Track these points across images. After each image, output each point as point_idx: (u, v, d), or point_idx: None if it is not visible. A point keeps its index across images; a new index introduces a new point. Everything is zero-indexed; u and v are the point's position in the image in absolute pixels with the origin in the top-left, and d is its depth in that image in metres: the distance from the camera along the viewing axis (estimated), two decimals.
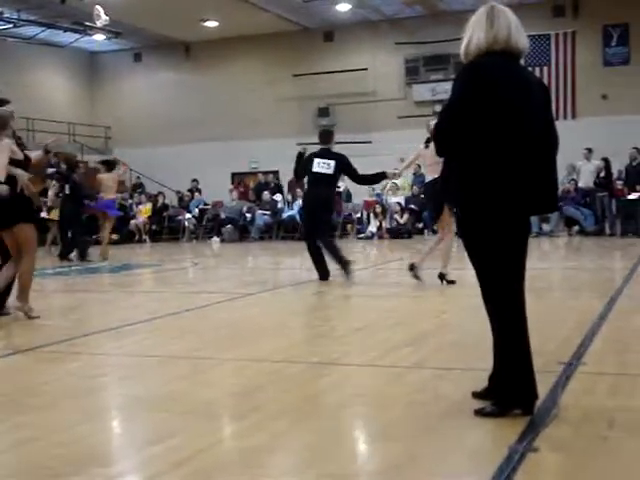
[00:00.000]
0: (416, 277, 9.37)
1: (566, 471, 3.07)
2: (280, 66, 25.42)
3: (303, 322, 7.02)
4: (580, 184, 19.33)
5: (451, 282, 9.21)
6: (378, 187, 20.88)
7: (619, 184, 18.77)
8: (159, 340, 6.28)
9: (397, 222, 20.59)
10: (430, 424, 3.67)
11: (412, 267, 9.46)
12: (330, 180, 10.10)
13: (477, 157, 3.63)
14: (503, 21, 3.72)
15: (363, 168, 10.77)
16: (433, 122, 3.90)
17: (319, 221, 10.12)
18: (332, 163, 9.95)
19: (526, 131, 3.64)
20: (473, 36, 3.75)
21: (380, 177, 10.51)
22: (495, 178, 3.60)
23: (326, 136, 10.39)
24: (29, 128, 25.52)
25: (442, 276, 9.28)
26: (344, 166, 10.06)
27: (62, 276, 12.07)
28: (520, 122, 3.63)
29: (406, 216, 20.63)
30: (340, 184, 22.10)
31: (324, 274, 10.11)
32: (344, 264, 9.94)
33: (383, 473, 3.11)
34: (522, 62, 3.89)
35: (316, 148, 10.41)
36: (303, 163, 10.23)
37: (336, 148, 10.53)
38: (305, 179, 10.76)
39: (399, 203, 20.97)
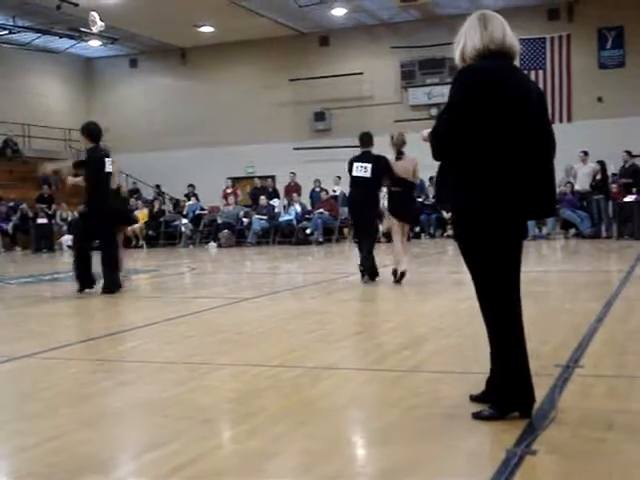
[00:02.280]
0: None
1: (564, 474, 3.07)
2: (276, 71, 25.45)
3: (300, 326, 7.01)
4: (576, 187, 19.37)
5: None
6: None
7: (615, 187, 18.80)
8: (157, 345, 6.28)
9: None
10: (428, 427, 3.67)
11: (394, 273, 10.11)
12: (369, 183, 10.24)
13: (474, 161, 3.63)
14: (496, 23, 3.75)
15: None
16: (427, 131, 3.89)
17: (364, 223, 10.61)
18: (369, 167, 10.16)
19: (524, 135, 3.64)
20: (468, 39, 3.76)
21: (410, 186, 10.44)
22: (492, 182, 3.61)
23: (365, 139, 10.56)
24: (25, 134, 25.54)
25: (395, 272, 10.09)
26: (382, 169, 10.18)
27: (58, 282, 12.05)
28: (518, 126, 3.63)
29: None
30: (336, 188, 22.19)
31: (369, 272, 10.39)
32: (368, 270, 10.34)
33: (381, 477, 3.11)
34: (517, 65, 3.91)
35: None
36: (348, 167, 10.49)
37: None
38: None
39: None
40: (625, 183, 18.54)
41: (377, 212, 11.27)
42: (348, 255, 17.48)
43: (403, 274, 10.02)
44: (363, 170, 10.23)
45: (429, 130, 3.79)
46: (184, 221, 22.83)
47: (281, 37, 25.14)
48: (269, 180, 23.92)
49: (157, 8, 21.74)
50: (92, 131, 10.26)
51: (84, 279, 10.05)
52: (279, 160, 24.66)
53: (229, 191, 23.39)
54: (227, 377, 4.97)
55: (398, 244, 10.35)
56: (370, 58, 24.66)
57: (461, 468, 3.21)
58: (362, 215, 10.57)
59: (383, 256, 12.00)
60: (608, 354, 5.26)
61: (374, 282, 10.33)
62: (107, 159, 10.15)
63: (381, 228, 10.96)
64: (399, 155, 10.13)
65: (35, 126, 25.39)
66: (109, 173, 10.18)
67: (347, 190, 20.10)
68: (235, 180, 24.67)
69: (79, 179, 10.47)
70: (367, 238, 10.64)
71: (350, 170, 10.44)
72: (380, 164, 10.21)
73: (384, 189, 10.98)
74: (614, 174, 19.42)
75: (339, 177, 22.17)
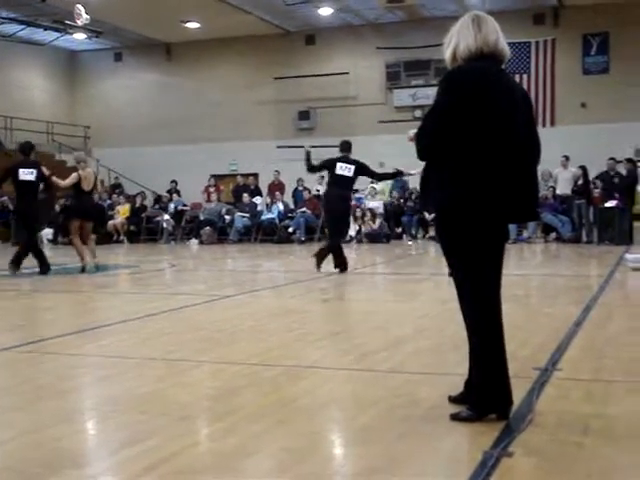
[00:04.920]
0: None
1: (540, 476, 3.09)
2: (261, 69, 25.41)
3: (280, 325, 7.00)
4: (557, 191, 19.45)
5: None
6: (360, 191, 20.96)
7: (597, 192, 18.89)
8: (135, 341, 6.25)
9: (370, 227, 20.56)
10: (406, 428, 3.67)
11: None
12: (349, 182, 11.55)
13: (459, 162, 3.63)
14: (490, 26, 3.76)
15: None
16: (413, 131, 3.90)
17: (338, 219, 11.75)
18: (352, 167, 11.43)
19: (508, 138, 3.64)
20: (461, 39, 3.74)
21: (398, 174, 12.28)
22: (475, 184, 3.61)
23: (347, 146, 11.73)
24: (7, 127, 25.36)
25: None
26: (362, 169, 11.57)
27: (38, 276, 11.97)
28: (503, 129, 3.64)
29: (378, 221, 20.63)
30: (319, 187, 22.20)
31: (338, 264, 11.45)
32: (342, 267, 11.39)
33: (359, 476, 3.12)
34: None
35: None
36: (322, 164, 11.90)
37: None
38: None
39: (371, 209, 20.93)
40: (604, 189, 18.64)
41: (349, 207, 12.40)
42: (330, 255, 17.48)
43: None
44: (347, 170, 11.38)
45: (415, 130, 3.79)
46: (166, 217, 22.74)
47: (267, 35, 25.11)
48: (251, 178, 23.88)
49: (143, 2, 21.65)
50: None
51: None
52: (262, 158, 24.63)
53: (212, 189, 23.34)
54: (206, 374, 4.96)
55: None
56: (356, 58, 24.68)
57: (439, 469, 3.22)
58: (338, 207, 11.58)
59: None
60: (586, 358, 5.29)
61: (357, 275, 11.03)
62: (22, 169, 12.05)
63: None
64: None
65: (18, 119, 25.21)
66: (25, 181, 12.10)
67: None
68: (218, 177, 24.61)
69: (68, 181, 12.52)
70: (339, 231, 11.86)
71: (332, 168, 11.55)
72: (360, 166, 11.51)
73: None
74: (595, 179, 19.51)
75: (322, 177, 22.21)
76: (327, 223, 12.86)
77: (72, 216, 12.99)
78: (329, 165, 11.69)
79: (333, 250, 11.54)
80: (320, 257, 11.56)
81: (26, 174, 12.05)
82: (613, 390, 4.45)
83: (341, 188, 11.51)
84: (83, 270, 12.34)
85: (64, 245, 20.88)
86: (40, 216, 13.32)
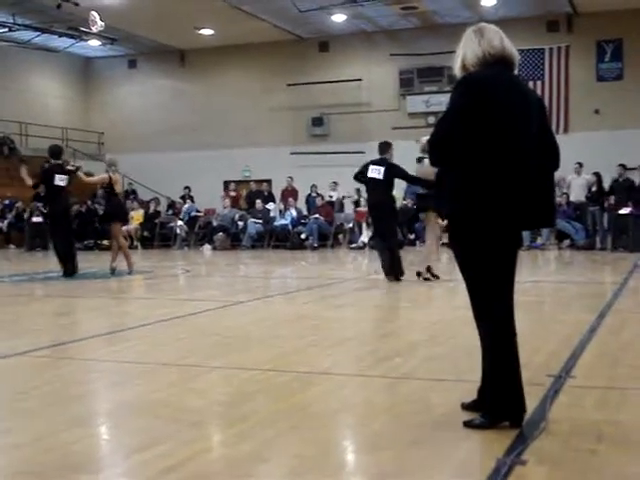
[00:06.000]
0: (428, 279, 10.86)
1: None
2: (275, 75, 25.45)
3: (293, 331, 7.01)
4: (571, 198, 19.40)
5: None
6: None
7: (612, 199, 18.82)
8: (149, 347, 6.27)
9: None
10: (419, 435, 3.67)
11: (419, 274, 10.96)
12: (381, 184, 11.12)
13: (472, 168, 3.62)
14: (493, 32, 3.78)
15: None
16: (425, 138, 3.91)
17: (382, 223, 11.41)
18: (382, 169, 11.08)
19: (523, 144, 3.64)
20: (468, 49, 3.76)
21: (422, 183, 11.16)
22: (490, 190, 3.60)
23: (384, 147, 11.44)
24: (22, 132, 25.50)
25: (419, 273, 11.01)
26: (392, 169, 11.13)
27: (52, 281, 12.03)
28: (517, 133, 3.63)
29: None
30: (332, 193, 22.24)
31: (390, 272, 11.02)
32: (396, 274, 10.98)
33: None
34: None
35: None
36: (361, 169, 11.50)
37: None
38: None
39: None
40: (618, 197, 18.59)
41: (395, 214, 11.95)
42: (343, 261, 17.52)
43: (419, 274, 10.91)
44: (377, 172, 11.07)
45: (427, 137, 3.79)
46: (179, 223, 22.80)
47: (281, 41, 25.15)
48: (265, 184, 23.92)
49: (157, 9, 21.73)
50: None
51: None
52: (276, 164, 24.65)
53: (233, 194, 23.39)
54: (218, 380, 4.96)
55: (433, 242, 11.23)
56: (369, 65, 24.68)
57: (451, 476, 3.21)
58: (380, 216, 11.34)
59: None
60: (600, 365, 5.27)
61: (399, 282, 10.91)
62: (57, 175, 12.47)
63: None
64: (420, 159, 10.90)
65: (33, 124, 25.35)
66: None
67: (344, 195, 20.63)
68: (230, 183, 24.70)
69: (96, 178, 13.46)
70: (389, 240, 11.29)
71: (365, 172, 11.26)
72: (390, 167, 11.08)
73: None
74: (611, 187, 19.47)
75: (335, 183, 22.22)
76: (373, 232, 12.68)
77: (113, 219, 13.08)
78: (364, 169, 11.41)
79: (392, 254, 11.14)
80: (398, 266, 11.12)
81: (61, 180, 12.49)
82: (627, 397, 4.43)
83: (375, 192, 11.25)
84: (130, 273, 12.74)
85: (78, 250, 20.97)
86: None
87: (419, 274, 10.92)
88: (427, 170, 10.36)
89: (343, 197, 22.37)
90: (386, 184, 11.09)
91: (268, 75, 25.64)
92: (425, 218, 11.45)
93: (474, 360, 4.06)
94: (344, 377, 5.08)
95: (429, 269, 10.97)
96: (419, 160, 10.78)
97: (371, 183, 11.18)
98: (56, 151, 12.87)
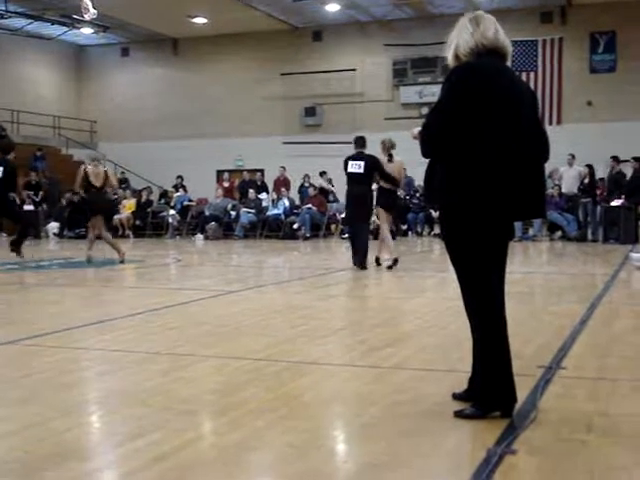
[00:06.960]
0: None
1: (544, 474, 3.08)
2: (268, 65, 25.41)
3: (285, 321, 7.01)
4: (563, 190, 19.43)
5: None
6: None
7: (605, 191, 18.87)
8: (140, 336, 6.26)
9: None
10: (410, 425, 3.67)
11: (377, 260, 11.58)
12: (363, 179, 11.39)
13: (464, 159, 3.62)
14: (488, 22, 3.76)
15: None
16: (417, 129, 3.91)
17: (364, 208, 11.70)
18: (362, 164, 11.32)
19: (514, 135, 3.63)
20: (460, 38, 3.75)
21: (396, 185, 11.75)
22: (480, 182, 3.59)
23: (360, 142, 11.68)
24: (14, 120, 25.41)
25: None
26: (373, 164, 11.35)
27: (43, 269, 12.00)
28: (509, 126, 3.63)
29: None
30: (322, 183, 22.17)
31: (358, 262, 11.38)
32: (361, 265, 11.32)
33: (361, 472, 3.11)
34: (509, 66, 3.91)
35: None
36: (344, 165, 11.69)
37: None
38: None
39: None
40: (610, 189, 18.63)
41: (371, 208, 12.24)
42: (335, 251, 17.52)
43: (396, 260, 11.24)
44: (357, 167, 11.31)
45: (419, 128, 3.78)
46: (171, 212, 22.76)
47: (274, 31, 25.10)
48: (258, 174, 23.89)
49: None
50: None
51: None
52: (268, 154, 24.63)
53: (226, 184, 23.31)
54: (210, 369, 4.96)
55: (387, 232, 11.59)
56: (363, 55, 24.66)
57: (442, 466, 3.22)
58: (358, 208, 11.58)
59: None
60: (591, 356, 5.29)
61: (364, 271, 11.20)
62: None
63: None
64: (390, 158, 11.46)
65: (24, 112, 25.26)
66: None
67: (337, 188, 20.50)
68: (222, 173, 24.66)
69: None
70: (360, 229, 11.73)
71: (345, 168, 11.52)
72: (371, 162, 11.32)
73: (374, 185, 11.98)
74: (601, 179, 19.50)
75: (324, 172, 22.05)
76: (346, 214, 12.99)
77: (88, 213, 13.12)
78: (344, 164, 11.64)
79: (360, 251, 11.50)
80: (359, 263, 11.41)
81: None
82: (617, 388, 4.44)
83: (359, 185, 11.42)
84: (122, 262, 12.76)
85: (69, 239, 20.95)
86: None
87: (377, 260, 11.66)
88: (394, 168, 11.39)
89: (329, 181, 22.12)
90: (367, 177, 11.48)
91: (261, 64, 25.61)
92: (377, 212, 12.12)
93: (465, 350, 4.07)
94: (335, 367, 5.08)
95: (377, 260, 11.66)
96: (390, 159, 11.40)
97: (354, 177, 11.44)
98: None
